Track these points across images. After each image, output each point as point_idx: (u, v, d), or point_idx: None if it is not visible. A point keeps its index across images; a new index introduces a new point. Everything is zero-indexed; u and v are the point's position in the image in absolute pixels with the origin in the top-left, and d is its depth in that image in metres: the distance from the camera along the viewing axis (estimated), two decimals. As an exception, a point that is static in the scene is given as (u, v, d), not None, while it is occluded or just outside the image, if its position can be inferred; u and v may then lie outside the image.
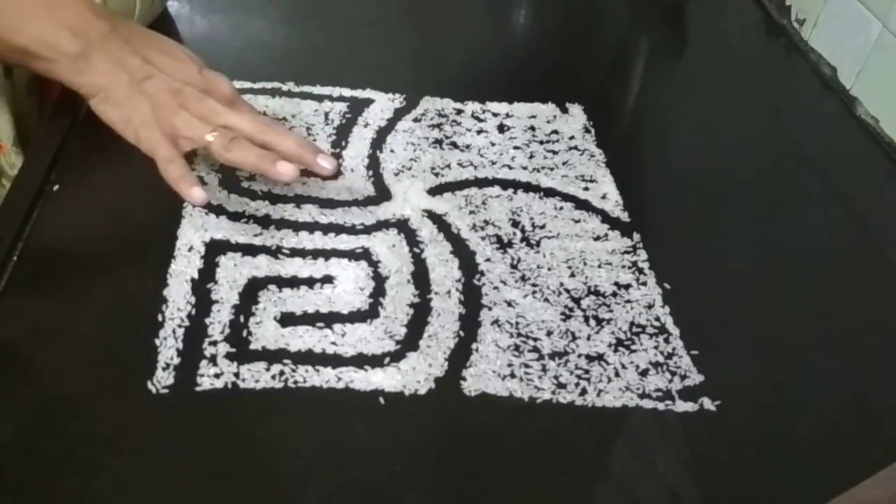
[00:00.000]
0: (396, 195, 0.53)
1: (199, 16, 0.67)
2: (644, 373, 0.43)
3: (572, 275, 0.49)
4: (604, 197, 0.55)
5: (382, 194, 0.53)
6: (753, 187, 0.60)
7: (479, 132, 0.59)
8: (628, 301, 0.47)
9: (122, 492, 0.35)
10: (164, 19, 0.65)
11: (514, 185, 0.55)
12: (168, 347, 0.41)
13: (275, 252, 0.47)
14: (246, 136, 0.49)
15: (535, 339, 0.44)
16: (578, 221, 0.53)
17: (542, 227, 0.52)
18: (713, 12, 0.82)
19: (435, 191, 0.54)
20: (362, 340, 0.43)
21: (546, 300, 0.47)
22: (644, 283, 0.49)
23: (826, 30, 0.71)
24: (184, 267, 0.45)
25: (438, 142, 0.58)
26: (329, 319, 0.44)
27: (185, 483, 0.36)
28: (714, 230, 0.55)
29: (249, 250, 0.47)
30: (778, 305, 0.49)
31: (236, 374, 0.40)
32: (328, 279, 0.46)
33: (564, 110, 0.63)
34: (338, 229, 0.49)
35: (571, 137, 0.60)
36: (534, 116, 0.62)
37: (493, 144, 0.58)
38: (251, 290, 0.45)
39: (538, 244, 0.50)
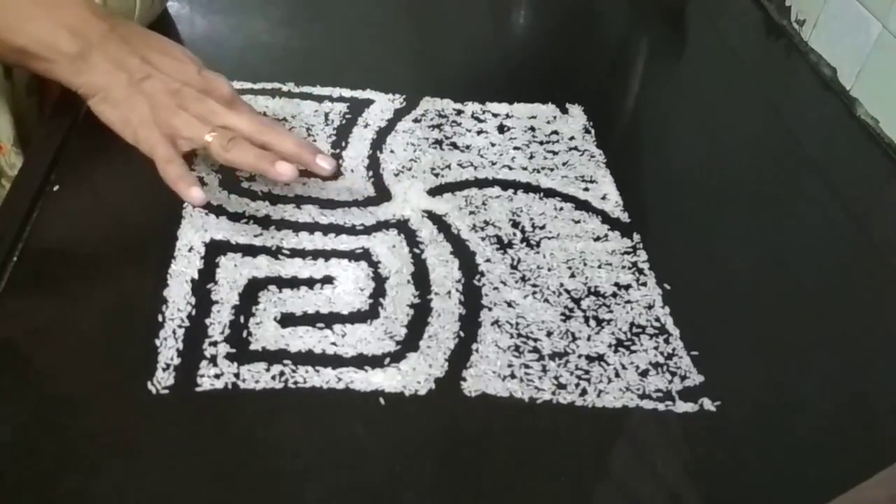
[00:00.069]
0: (396, 196, 0.53)
1: (199, 16, 0.67)
2: (644, 373, 0.43)
3: (572, 275, 0.49)
4: (604, 197, 0.55)
5: (382, 195, 0.53)
6: (753, 188, 0.60)
7: (479, 133, 0.59)
8: (628, 301, 0.47)
9: (121, 492, 0.35)
10: (164, 20, 0.65)
11: (514, 185, 0.55)
12: (168, 348, 0.41)
13: (275, 252, 0.47)
14: (245, 137, 0.49)
15: (536, 340, 0.44)
16: (578, 222, 0.53)
17: (542, 227, 0.52)
18: (713, 12, 0.82)
19: (435, 191, 0.54)
20: (362, 341, 0.43)
21: (546, 301, 0.47)
22: (644, 284, 0.49)
23: (826, 30, 0.71)
24: (184, 267, 0.45)
25: (438, 142, 0.58)
26: (329, 320, 0.44)
27: (185, 483, 0.36)
28: (714, 230, 0.55)
29: (249, 251, 0.47)
30: (778, 305, 0.49)
31: (236, 375, 0.40)
32: (328, 280, 0.46)
33: (564, 111, 0.63)
34: (338, 230, 0.49)
35: (571, 138, 0.60)
36: (534, 117, 0.62)
37: (493, 145, 0.58)
38: (251, 291, 0.45)
39: (538, 245, 0.50)
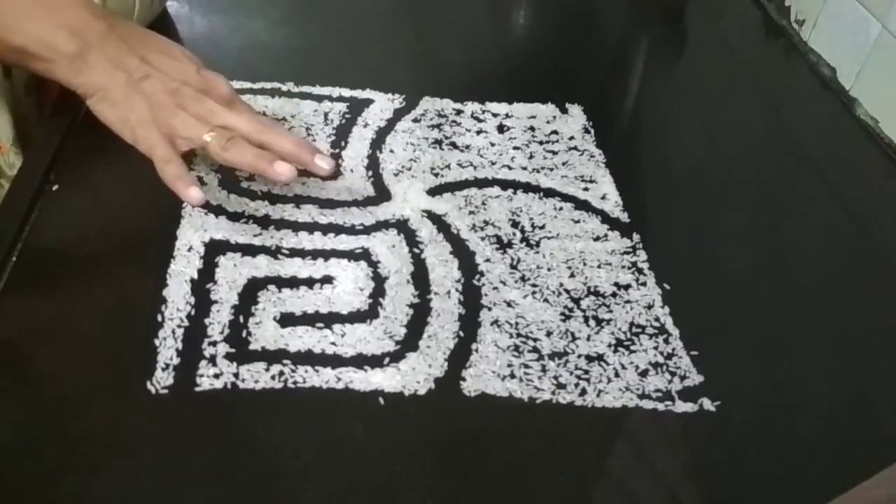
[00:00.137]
0: (396, 195, 0.53)
1: (198, 16, 0.67)
2: (644, 373, 0.43)
3: (572, 275, 0.49)
4: (603, 197, 0.55)
5: (382, 195, 0.53)
6: (753, 187, 0.60)
7: (478, 132, 0.59)
8: (628, 301, 0.47)
9: (121, 492, 0.35)
10: (164, 19, 0.65)
11: (513, 185, 0.55)
12: (167, 348, 0.41)
13: (274, 252, 0.47)
14: (244, 136, 0.49)
15: (535, 340, 0.44)
16: (578, 222, 0.53)
17: (542, 227, 0.52)
18: (713, 12, 0.82)
19: (434, 191, 0.54)
20: (362, 341, 0.43)
21: (546, 300, 0.47)
22: (644, 284, 0.49)
23: (825, 30, 0.71)
24: (183, 267, 0.45)
25: (438, 142, 0.58)
26: (329, 320, 0.44)
27: (185, 483, 0.36)
28: (714, 230, 0.55)
29: (249, 250, 0.47)
30: (778, 305, 0.49)
31: (236, 375, 0.40)
32: (328, 279, 0.46)
33: (564, 111, 0.63)
34: (337, 230, 0.49)
35: (571, 138, 0.60)
36: (533, 117, 0.62)
37: (492, 145, 0.58)
38: (251, 291, 0.45)
39: (538, 244, 0.50)
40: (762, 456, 0.40)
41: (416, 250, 0.49)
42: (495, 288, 0.47)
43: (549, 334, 0.45)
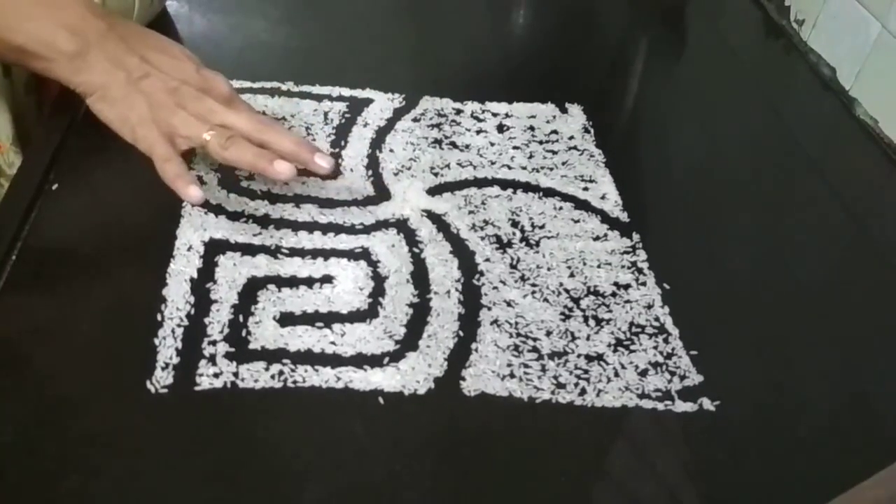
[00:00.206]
0: (396, 195, 0.53)
1: (198, 15, 0.67)
2: (643, 373, 0.43)
3: (572, 275, 0.49)
4: (603, 197, 0.55)
5: (382, 194, 0.53)
6: (753, 187, 0.60)
7: (478, 132, 0.59)
8: (628, 301, 0.47)
9: (121, 491, 0.35)
10: (163, 19, 0.65)
11: (513, 185, 0.55)
12: (167, 347, 0.41)
13: (274, 252, 0.47)
14: (243, 135, 0.49)
15: (535, 339, 0.44)
16: (578, 221, 0.53)
17: (542, 227, 0.52)
18: (713, 12, 0.82)
19: (434, 191, 0.54)
20: (361, 340, 0.43)
21: (545, 300, 0.47)
22: (643, 284, 0.49)
23: (825, 30, 0.71)
24: (183, 266, 0.45)
25: (438, 142, 0.58)
26: (328, 319, 0.44)
27: (185, 483, 0.36)
28: (713, 230, 0.55)
29: (248, 250, 0.47)
30: (778, 305, 0.49)
31: (235, 374, 0.40)
32: (327, 279, 0.46)
33: (564, 110, 0.63)
34: (337, 229, 0.49)
35: (571, 137, 0.60)
36: (533, 116, 0.62)
37: (492, 144, 0.58)
38: (250, 290, 0.45)
39: (537, 244, 0.50)
40: (762, 456, 0.40)
41: (416, 250, 0.49)
42: (495, 287, 0.47)
43: (548, 334, 0.45)
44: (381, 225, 0.50)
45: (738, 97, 0.70)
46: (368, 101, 0.60)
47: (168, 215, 0.48)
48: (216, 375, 0.40)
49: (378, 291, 0.46)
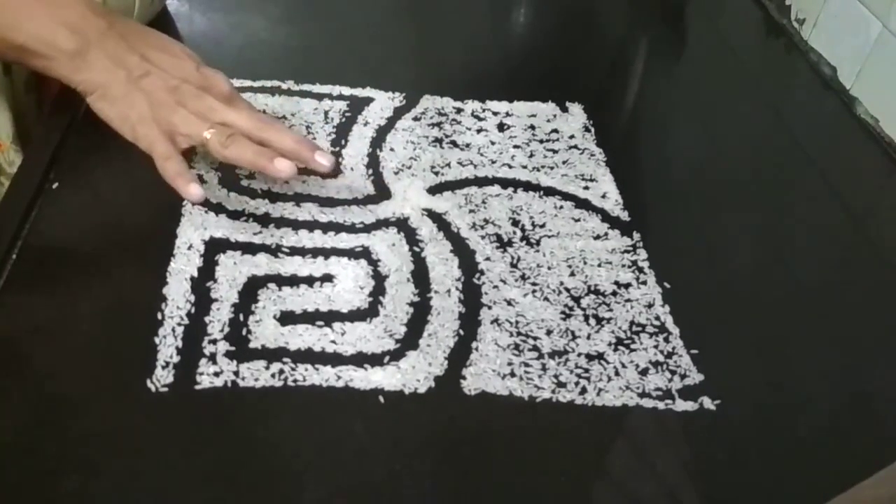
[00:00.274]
0: (396, 194, 0.53)
1: (198, 14, 0.67)
2: (644, 372, 0.43)
3: (572, 274, 0.49)
4: (604, 196, 0.55)
5: (382, 193, 0.53)
6: (753, 186, 0.60)
7: (478, 131, 0.59)
8: (628, 300, 0.47)
9: (121, 491, 0.35)
10: (164, 17, 0.65)
11: (513, 183, 0.55)
12: (167, 346, 0.41)
13: (274, 250, 0.47)
14: (244, 133, 0.49)
15: (535, 338, 0.44)
16: (578, 220, 0.53)
17: (542, 225, 0.52)
18: (713, 12, 0.82)
19: (435, 189, 0.54)
20: (362, 339, 0.43)
21: (546, 299, 0.47)
22: (644, 283, 0.49)
23: (826, 29, 0.71)
24: (183, 265, 0.45)
25: (438, 140, 0.58)
26: (329, 318, 0.44)
27: (185, 482, 0.36)
28: (714, 229, 0.55)
29: (249, 249, 0.47)
30: (778, 305, 0.49)
31: (236, 373, 0.40)
32: (328, 278, 0.46)
33: (564, 109, 0.63)
34: (337, 228, 0.49)
35: (571, 136, 0.60)
36: (534, 115, 0.61)
37: (492, 143, 0.58)
38: (251, 289, 0.45)
39: (538, 243, 0.50)
40: (762, 455, 0.40)
41: (417, 249, 0.49)
42: (495, 286, 0.47)
43: (549, 333, 0.45)
44: (382, 224, 0.50)
45: (738, 96, 0.70)
46: (369, 100, 0.60)
47: (168, 214, 0.48)
48: (216, 374, 0.40)
49: (378, 290, 0.46)
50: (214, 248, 0.47)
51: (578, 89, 0.65)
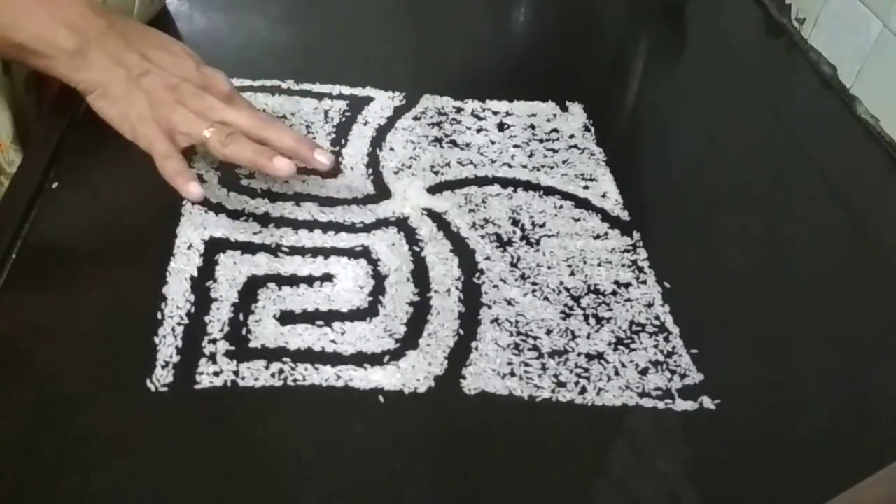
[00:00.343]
0: (396, 193, 0.53)
1: (198, 14, 0.67)
2: (644, 371, 0.43)
3: (572, 273, 0.49)
4: (604, 195, 0.55)
5: (382, 192, 0.53)
6: (753, 186, 0.60)
7: (478, 130, 0.59)
8: (628, 300, 0.47)
9: (121, 490, 0.35)
10: (164, 17, 0.65)
11: (513, 183, 0.55)
12: (167, 345, 0.41)
13: (274, 250, 0.47)
14: (243, 132, 0.49)
15: (535, 338, 0.44)
16: (578, 220, 0.53)
17: (542, 225, 0.52)
18: (713, 12, 0.82)
19: (435, 189, 0.54)
20: (362, 339, 0.43)
21: (546, 299, 0.47)
22: (644, 282, 0.49)
23: (826, 29, 0.71)
24: (183, 265, 0.45)
25: (438, 140, 0.58)
26: (328, 318, 0.44)
27: (185, 481, 0.36)
28: (714, 229, 0.55)
29: (249, 248, 0.47)
30: (778, 305, 0.49)
31: (236, 373, 0.40)
32: (328, 277, 0.46)
33: (564, 109, 0.63)
34: (337, 227, 0.49)
35: (571, 136, 0.60)
36: (534, 115, 0.61)
37: (492, 143, 0.58)
38: (250, 289, 0.45)
39: (538, 243, 0.50)
40: (762, 455, 0.40)
41: (416, 248, 0.49)
42: (495, 286, 0.47)
43: (549, 332, 0.45)
44: (382, 223, 0.50)
45: (738, 96, 0.70)
46: (369, 100, 0.60)
47: (168, 213, 0.48)
48: (216, 374, 0.40)
49: (378, 290, 0.46)
50: (214, 247, 0.47)
51: (578, 89, 0.65)
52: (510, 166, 0.56)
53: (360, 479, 0.37)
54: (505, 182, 0.55)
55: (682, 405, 0.42)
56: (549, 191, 0.55)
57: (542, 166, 0.57)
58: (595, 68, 0.72)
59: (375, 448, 0.38)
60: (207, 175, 0.51)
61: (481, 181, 0.55)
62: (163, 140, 0.49)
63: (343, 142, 0.56)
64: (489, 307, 0.46)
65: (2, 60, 0.55)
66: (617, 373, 0.43)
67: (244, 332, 0.42)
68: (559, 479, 0.38)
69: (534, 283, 0.48)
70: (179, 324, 0.42)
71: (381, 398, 0.40)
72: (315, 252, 0.47)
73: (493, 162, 0.56)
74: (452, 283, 0.47)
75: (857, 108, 0.67)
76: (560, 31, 0.77)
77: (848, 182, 0.61)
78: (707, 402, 0.42)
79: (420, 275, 0.47)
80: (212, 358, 0.41)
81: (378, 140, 0.57)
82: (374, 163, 0.55)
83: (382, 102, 0.60)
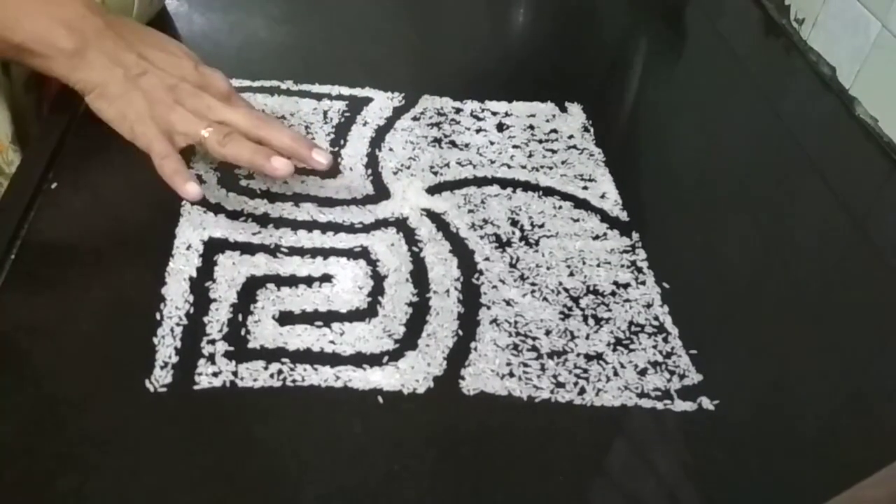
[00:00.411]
0: (395, 194, 0.53)
1: (197, 14, 0.67)
2: (643, 372, 0.43)
3: (571, 274, 0.49)
4: (603, 196, 0.55)
5: (381, 193, 0.53)
6: (752, 186, 0.60)
7: (478, 131, 0.59)
8: (627, 300, 0.47)
9: (120, 491, 0.35)
10: (163, 17, 0.65)
11: (512, 184, 0.55)
12: (166, 346, 0.41)
13: (273, 251, 0.47)
14: (241, 132, 0.49)
15: (534, 339, 0.44)
16: (577, 220, 0.53)
17: (541, 226, 0.52)
18: (713, 12, 0.82)
19: (434, 189, 0.53)
20: (361, 339, 0.43)
21: (545, 299, 0.47)
22: (643, 283, 0.49)
23: (825, 29, 0.71)
24: (182, 265, 0.45)
25: (437, 140, 0.58)
26: (327, 318, 0.44)
27: (184, 482, 0.36)
28: (713, 230, 0.55)
29: (248, 249, 0.47)
30: (777, 305, 0.49)
31: (234, 373, 0.40)
32: (327, 278, 0.46)
33: (563, 109, 0.63)
34: (336, 228, 0.49)
35: (570, 136, 0.60)
36: (533, 115, 0.61)
37: (492, 143, 0.58)
38: (249, 289, 0.45)
39: (537, 243, 0.50)
40: (761, 455, 0.40)
41: (416, 249, 0.49)
42: (494, 287, 0.47)
43: (548, 333, 0.45)
44: (381, 224, 0.50)
45: (738, 97, 0.70)
46: (368, 100, 0.60)
47: (167, 214, 0.48)
48: (215, 374, 0.40)
49: (377, 290, 0.46)
50: (213, 248, 0.46)
51: (578, 89, 0.65)
52: (509, 167, 0.56)
53: (359, 480, 0.37)
54: (504, 182, 0.55)
55: (681, 406, 0.42)
56: (549, 191, 0.55)
57: (542, 167, 0.57)
58: (594, 69, 0.72)
59: (374, 448, 0.38)
60: (206, 176, 0.51)
61: (480, 182, 0.55)
62: (161, 140, 0.49)
63: (342, 142, 0.56)
64: (488, 308, 0.46)
65: (1, 61, 0.55)
66: (616, 373, 0.43)
67: (243, 332, 0.42)
68: (558, 479, 0.38)
69: (533, 284, 0.47)
70: (178, 324, 0.42)
71: (380, 399, 0.40)
72: (314, 252, 0.47)
73: (493, 162, 0.56)
74: (451, 283, 0.47)
75: (856, 109, 0.67)
76: (559, 32, 0.77)
77: (847, 182, 0.61)
78: (706, 403, 0.42)
79: (419, 275, 0.47)
80: (211, 358, 0.41)
81: (377, 140, 0.57)
82: (373, 163, 0.55)
83: (381, 103, 0.60)
